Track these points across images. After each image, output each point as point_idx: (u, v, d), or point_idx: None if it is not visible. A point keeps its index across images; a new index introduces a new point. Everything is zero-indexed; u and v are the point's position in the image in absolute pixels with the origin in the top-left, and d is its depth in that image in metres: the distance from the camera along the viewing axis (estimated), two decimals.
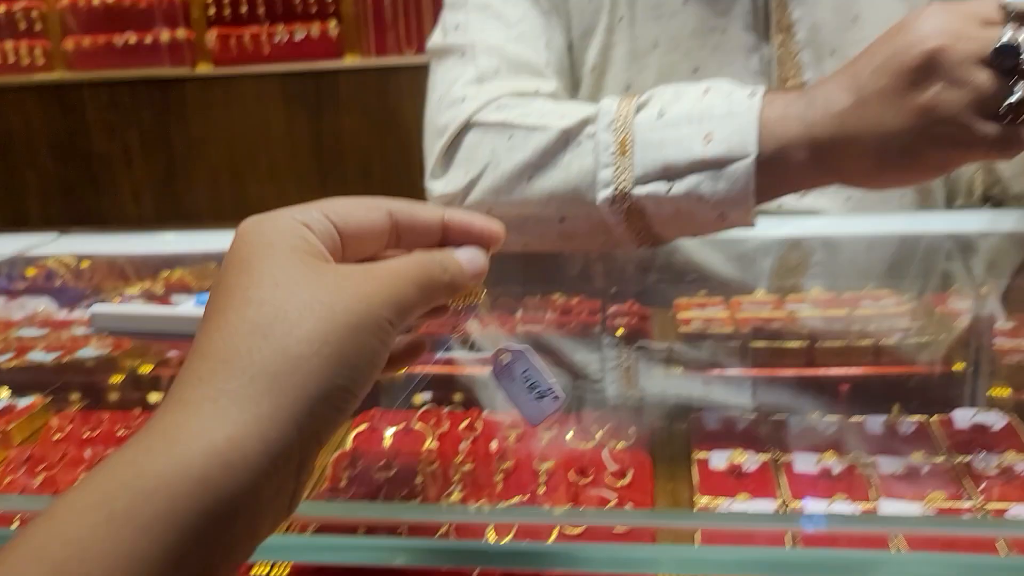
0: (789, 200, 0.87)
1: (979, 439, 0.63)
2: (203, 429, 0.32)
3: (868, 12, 0.89)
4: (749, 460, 0.62)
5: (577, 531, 0.53)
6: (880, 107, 0.59)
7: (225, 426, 0.32)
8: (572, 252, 0.94)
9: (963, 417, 0.65)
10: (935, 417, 0.66)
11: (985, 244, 0.81)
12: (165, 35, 2.49)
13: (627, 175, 0.68)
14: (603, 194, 0.69)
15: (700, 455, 0.63)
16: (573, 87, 0.95)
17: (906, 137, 0.58)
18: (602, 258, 1.00)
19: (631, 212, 0.69)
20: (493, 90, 0.81)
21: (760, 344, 0.83)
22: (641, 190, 0.68)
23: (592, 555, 0.48)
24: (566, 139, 0.72)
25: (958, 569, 0.44)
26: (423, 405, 0.73)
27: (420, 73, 0.93)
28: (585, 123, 0.72)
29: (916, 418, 0.66)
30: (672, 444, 0.67)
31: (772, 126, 0.64)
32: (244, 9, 2.42)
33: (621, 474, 0.62)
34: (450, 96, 0.83)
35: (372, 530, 0.54)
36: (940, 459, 0.61)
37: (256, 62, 2.44)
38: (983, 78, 0.56)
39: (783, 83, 0.90)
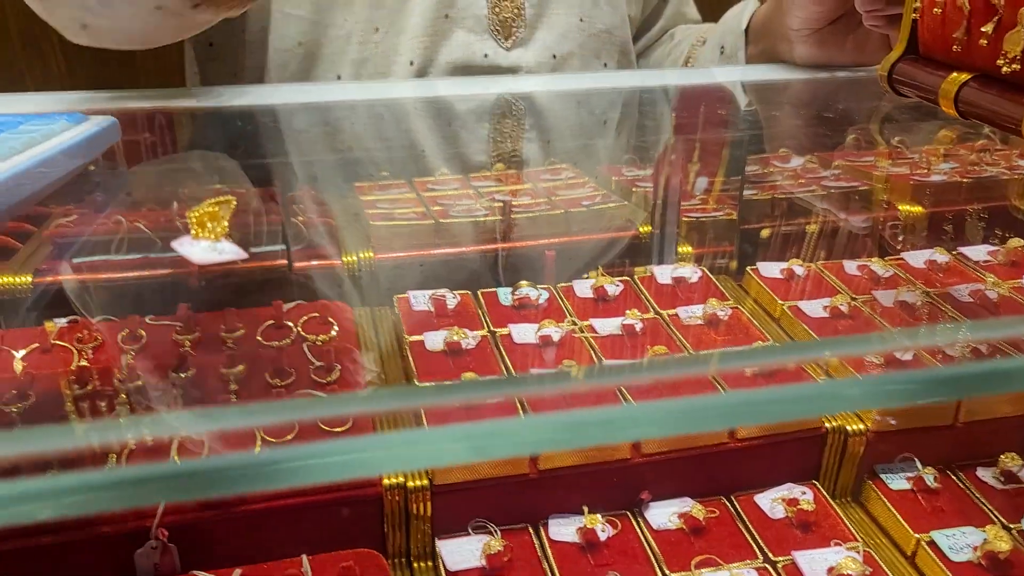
0: (497, 54, 0.80)
1: (680, 293, 0.64)
2: None
3: None
4: (467, 337, 0.56)
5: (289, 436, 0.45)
6: None
7: None
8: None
9: (663, 273, 0.65)
10: (637, 276, 0.66)
11: (661, 102, 0.82)
12: None
13: None
14: None
15: (414, 338, 0.57)
16: None
17: None
18: (266, 132, 0.86)
19: None
20: None
21: (457, 221, 0.77)
22: None
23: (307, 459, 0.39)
24: None
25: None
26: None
27: None
28: None
29: (621, 279, 0.65)
30: (380, 331, 0.60)
31: None
32: None
33: (328, 370, 0.53)
34: None
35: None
36: (650, 316, 0.60)
37: None
38: None
39: None
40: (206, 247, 0.33)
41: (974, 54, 0.50)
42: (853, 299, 0.62)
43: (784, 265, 0.66)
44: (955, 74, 0.52)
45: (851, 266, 0.67)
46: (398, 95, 0.72)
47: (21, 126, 0.41)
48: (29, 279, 0.69)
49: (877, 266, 0.66)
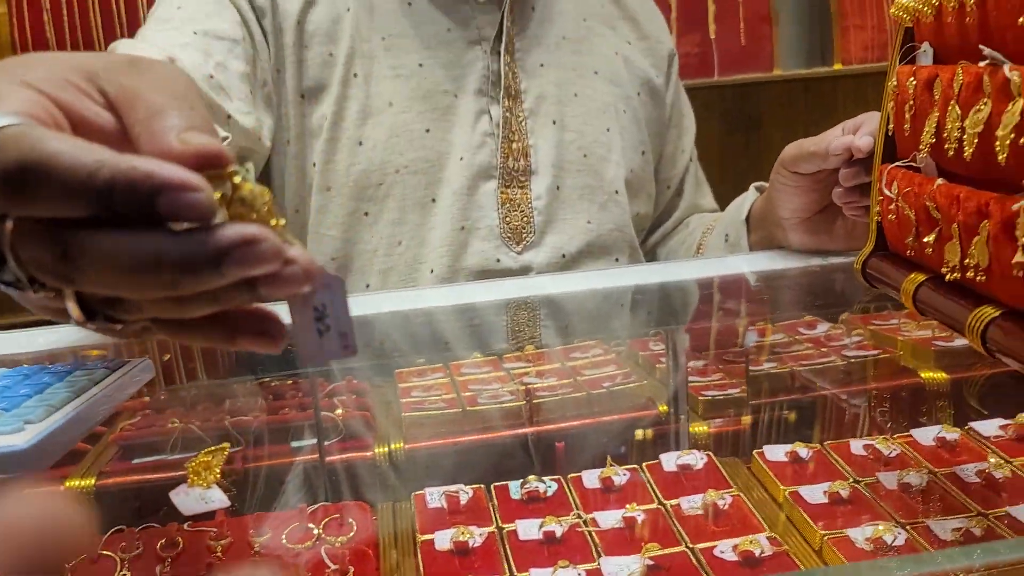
0: (509, 258, 0.88)
1: (684, 481, 0.66)
2: None
3: (585, 91, 0.95)
4: (473, 536, 0.60)
5: None
6: None
7: None
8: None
9: (669, 461, 0.68)
10: (645, 463, 0.68)
11: (674, 291, 0.87)
12: None
13: None
14: None
15: (425, 537, 0.61)
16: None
17: None
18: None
19: None
20: None
21: (484, 408, 0.82)
22: None
23: None
24: None
25: None
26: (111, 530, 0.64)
27: None
28: None
29: (628, 467, 0.68)
30: (397, 529, 0.64)
31: None
32: None
33: (342, 573, 0.57)
34: None
35: None
36: (654, 506, 0.63)
37: None
38: None
39: (510, 145, 0.92)
40: (196, 496, 0.38)
41: (924, 259, 0.54)
42: (857, 482, 0.64)
43: (788, 448, 0.68)
44: (913, 274, 0.56)
45: (857, 446, 0.69)
46: (420, 304, 0.79)
47: (68, 377, 0.48)
48: (92, 481, 0.76)
49: (882, 445, 0.67)
